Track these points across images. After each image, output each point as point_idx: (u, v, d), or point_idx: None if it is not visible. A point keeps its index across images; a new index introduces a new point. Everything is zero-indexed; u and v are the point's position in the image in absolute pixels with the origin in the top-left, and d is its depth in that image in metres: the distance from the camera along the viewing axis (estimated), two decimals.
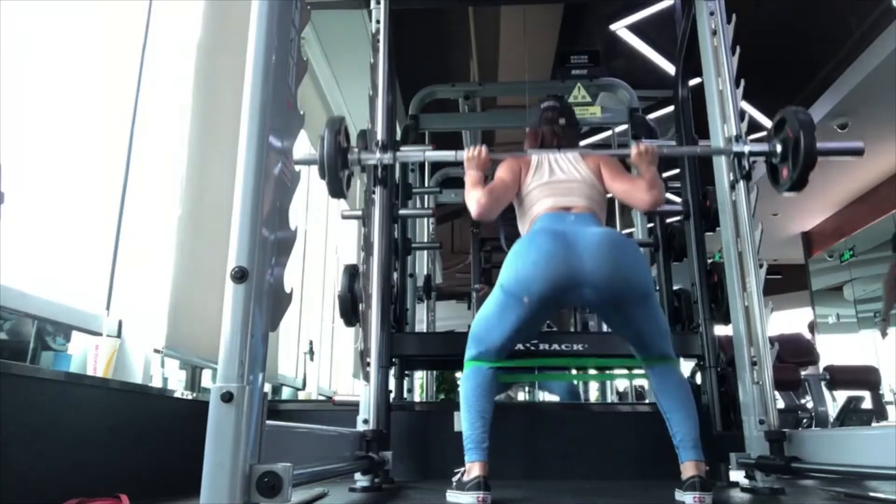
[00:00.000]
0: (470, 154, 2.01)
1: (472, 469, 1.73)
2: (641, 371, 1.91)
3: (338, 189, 2.05)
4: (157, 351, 2.14)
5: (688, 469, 1.71)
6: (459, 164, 2.05)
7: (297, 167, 1.33)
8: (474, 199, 1.90)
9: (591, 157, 2.03)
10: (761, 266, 2.10)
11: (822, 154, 1.90)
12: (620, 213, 4.25)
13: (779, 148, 2.01)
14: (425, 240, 4.81)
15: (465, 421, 1.81)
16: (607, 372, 2.34)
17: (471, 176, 1.98)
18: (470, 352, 1.89)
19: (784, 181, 2.01)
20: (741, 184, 2.18)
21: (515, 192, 1.99)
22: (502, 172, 2.00)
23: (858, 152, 2.02)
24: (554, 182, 1.95)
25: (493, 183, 1.97)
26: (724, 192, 2.31)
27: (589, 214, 1.88)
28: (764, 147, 2.07)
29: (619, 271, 1.70)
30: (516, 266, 1.75)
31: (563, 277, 1.70)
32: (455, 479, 1.77)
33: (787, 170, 1.99)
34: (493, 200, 1.91)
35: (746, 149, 2.12)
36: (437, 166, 4.85)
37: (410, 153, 2.29)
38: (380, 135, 2.32)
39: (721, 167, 2.35)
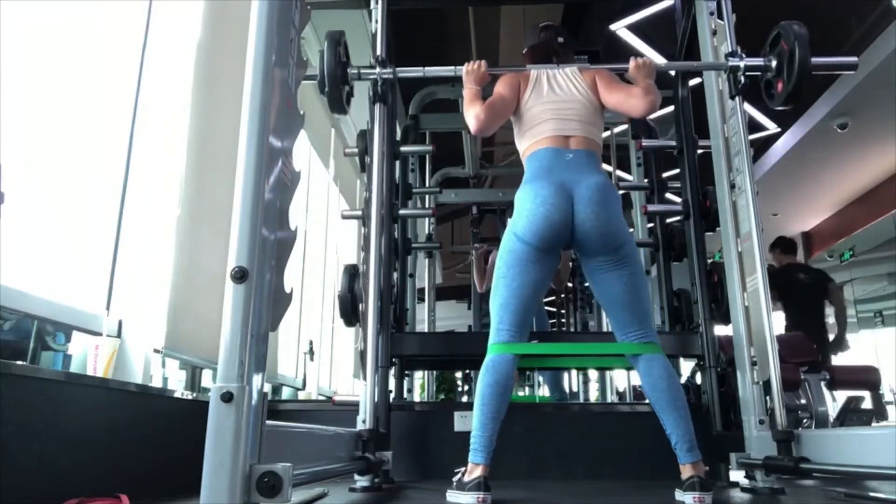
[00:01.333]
0: (469, 67, 2.05)
1: (475, 470, 1.73)
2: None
3: (338, 101, 2.09)
4: (156, 351, 2.14)
5: (687, 470, 1.71)
6: (458, 78, 2.08)
7: (297, 168, 1.33)
8: (473, 114, 1.92)
9: (588, 72, 2.06)
10: (761, 266, 2.09)
11: (816, 68, 1.96)
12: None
13: (774, 62, 2.07)
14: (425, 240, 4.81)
15: (477, 420, 1.79)
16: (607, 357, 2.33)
17: (469, 90, 2.01)
18: (493, 333, 1.89)
19: (779, 95, 2.07)
20: (737, 100, 2.23)
21: (514, 107, 2.02)
22: (501, 87, 2.02)
23: (852, 67, 2.12)
24: (553, 102, 1.98)
25: (491, 98, 1.99)
26: (724, 192, 2.31)
27: (585, 153, 1.93)
28: (759, 61, 2.13)
29: (599, 222, 1.83)
30: (530, 218, 1.84)
31: (563, 226, 1.84)
32: (455, 478, 1.77)
33: (782, 83, 2.05)
34: (492, 116, 1.94)
35: (742, 63, 2.16)
36: (437, 166, 4.85)
37: (410, 70, 2.29)
38: (379, 50, 2.36)
39: (721, 167, 2.35)
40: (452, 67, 2.15)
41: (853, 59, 2.13)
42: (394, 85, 2.44)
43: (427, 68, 2.26)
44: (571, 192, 1.84)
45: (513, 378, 1.87)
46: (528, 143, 1.99)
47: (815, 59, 1.95)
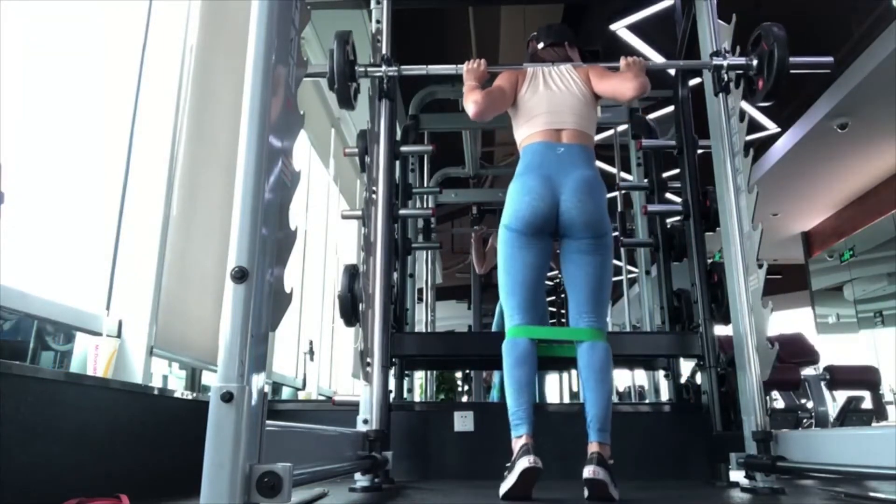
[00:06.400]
0: (469, 66, 2.20)
1: (517, 442, 1.81)
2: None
3: (346, 98, 2.28)
4: (152, 353, 2.13)
5: (591, 448, 1.79)
6: (459, 78, 2.21)
7: (297, 168, 1.33)
8: (472, 99, 2.05)
9: (581, 68, 2.20)
10: (761, 266, 2.10)
11: (794, 67, 2.10)
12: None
13: (755, 62, 2.21)
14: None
15: (508, 396, 1.89)
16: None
17: (469, 84, 2.14)
18: (507, 319, 2.01)
19: (759, 92, 2.19)
20: (721, 96, 2.36)
21: (511, 100, 2.14)
22: (500, 81, 2.17)
23: (827, 66, 2.23)
24: (548, 95, 2.11)
25: (490, 88, 2.13)
26: (724, 192, 2.31)
27: (577, 146, 2.04)
28: (741, 60, 2.26)
29: (583, 208, 1.96)
30: (516, 208, 1.98)
31: (548, 212, 1.96)
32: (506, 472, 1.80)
33: (762, 81, 2.17)
34: (489, 102, 2.06)
35: (725, 62, 2.30)
36: (437, 166, 4.85)
37: (414, 68, 2.41)
38: (384, 49, 2.46)
39: (721, 167, 2.35)
40: (454, 66, 2.28)
41: (828, 58, 2.22)
42: (397, 83, 2.46)
43: (430, 66, 2.38)
44: (559, 184, 1.96)
45: (534, 354, 1.96)
46: (523, 136, 2.11)
47: (792, 59, 2.08)
